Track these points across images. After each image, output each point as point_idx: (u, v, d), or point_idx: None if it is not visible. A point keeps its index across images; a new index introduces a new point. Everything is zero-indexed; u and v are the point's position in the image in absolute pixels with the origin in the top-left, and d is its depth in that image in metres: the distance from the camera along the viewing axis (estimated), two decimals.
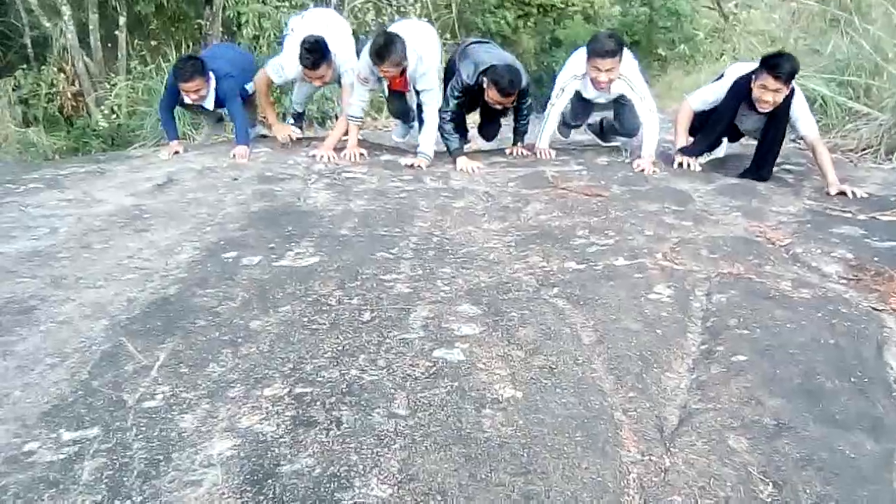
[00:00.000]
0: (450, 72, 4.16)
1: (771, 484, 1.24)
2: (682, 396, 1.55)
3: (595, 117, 4.68)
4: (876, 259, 2.43)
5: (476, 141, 4.80)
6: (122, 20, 6.78)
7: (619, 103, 4.13)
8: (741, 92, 3.54)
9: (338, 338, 1.82)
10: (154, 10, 6.81)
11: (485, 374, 1.60)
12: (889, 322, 1.98)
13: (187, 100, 4.17)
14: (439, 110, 3.92)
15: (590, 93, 4.01)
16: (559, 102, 4.10)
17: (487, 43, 4.54)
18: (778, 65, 3.33)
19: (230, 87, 4.24)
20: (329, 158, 3.91)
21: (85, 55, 6.63)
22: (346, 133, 4.10)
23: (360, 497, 1.20)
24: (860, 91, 4.93)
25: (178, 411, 1.52)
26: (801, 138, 3.76)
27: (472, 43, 4.27)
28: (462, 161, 3.87)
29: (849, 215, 3.00)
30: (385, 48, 3.68)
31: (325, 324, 1.90)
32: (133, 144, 5.42)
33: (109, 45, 6.63)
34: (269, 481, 1.26)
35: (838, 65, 5.12)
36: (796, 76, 3.43)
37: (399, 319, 1.91)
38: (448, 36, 7.10)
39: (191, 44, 6.96)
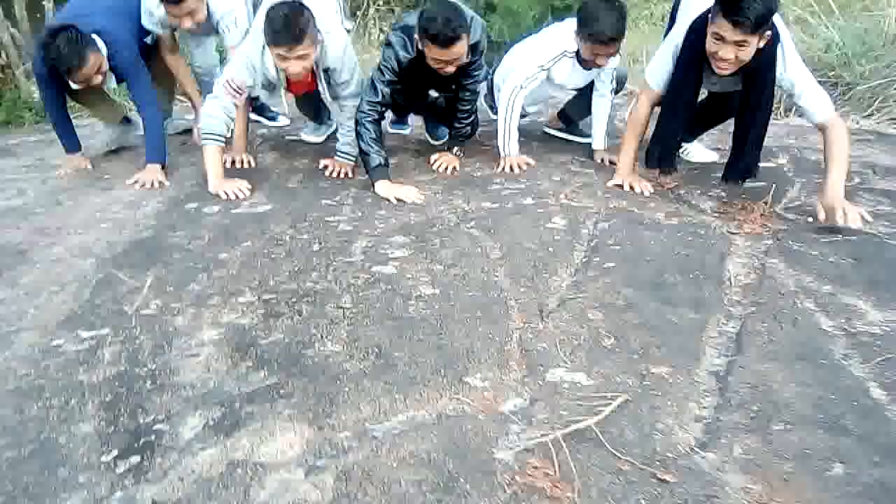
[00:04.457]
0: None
1: (613, 338, 1.85)
2: (562, 291, 2.15)
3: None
4: (743, 195, 3.08)
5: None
6: None
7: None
8: (700, 41, 2.68)
9: (293, 262, 2.36)
10: None
11: (411, 281, 2.18)
12: (738, 241, 2.62)
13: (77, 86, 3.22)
14: (360, 104, 3.14)
15: (568, 77, 3.43)
16: (530, 86, 3.34)
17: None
18: (737, 3, 2.42)
19: (128, 52, 3.31)
20: (235, 193, 3.04)
21: (10, 26, 6.86)
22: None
23: (319, 352, 1.77)
24: None
25: (171, 315, 2.05)
26: (813, 122, 2.79)
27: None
28: (383, 186, 3.02)
29: None
30: (293, 20, 2.78)
31: (281, 253, 2.44)
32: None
33: (37, 14, 6.84)
34: (251, 349, 1.81)
35: None
36: (771, 19, 2.51)
37: (343, 248, 2.47)
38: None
39: None
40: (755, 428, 1.49)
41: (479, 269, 2.27)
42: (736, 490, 1.31)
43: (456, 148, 3.51)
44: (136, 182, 3.25)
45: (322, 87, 3.23)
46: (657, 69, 3.00)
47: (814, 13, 5.34)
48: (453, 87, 3.31)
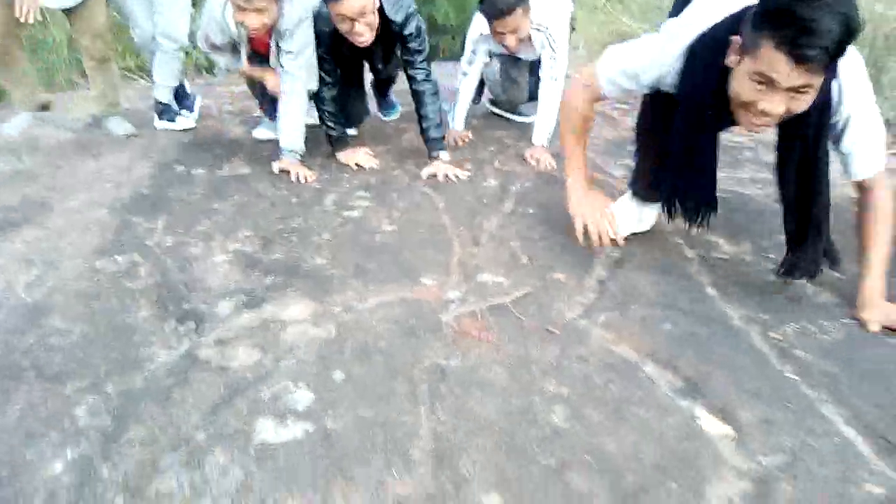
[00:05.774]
0: None
1: (526, 257, 2.64)
2: (492, 230, 2.94)
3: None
4: None
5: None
6: None
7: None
8: (715, 68, 1.87)
9: (277, 211, 3.10)
10: None
11: (375, 222, 2.95)
12: None
13: None
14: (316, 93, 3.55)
15: (499, 47, 3.74)
16: (472, 71, 3.94)
17: None
18: (804, 22, 1.55)
19: None
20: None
21: None
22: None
23: (311, 265, 2.53)
24: None
25: (187, 247, 2.76)
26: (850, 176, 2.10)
27: None
28: (344, 155, 3.72)
29: None
30: None
31: (266, 204, 3.17)
32: None
33: None
34: (258, 264, 2.56)
35: None
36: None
37: (317, 200, 3.21)
38: None
39: None
40: (617, 307, 2.31)
41: (428, 214, 3.05)
42: (597, 338, 2.12)
43: (438, 152, 3.59)
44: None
45: (272, 50, 3.42)
46: (624, 66, 2.19)
47: None
48: (390, 58, 3.68)
